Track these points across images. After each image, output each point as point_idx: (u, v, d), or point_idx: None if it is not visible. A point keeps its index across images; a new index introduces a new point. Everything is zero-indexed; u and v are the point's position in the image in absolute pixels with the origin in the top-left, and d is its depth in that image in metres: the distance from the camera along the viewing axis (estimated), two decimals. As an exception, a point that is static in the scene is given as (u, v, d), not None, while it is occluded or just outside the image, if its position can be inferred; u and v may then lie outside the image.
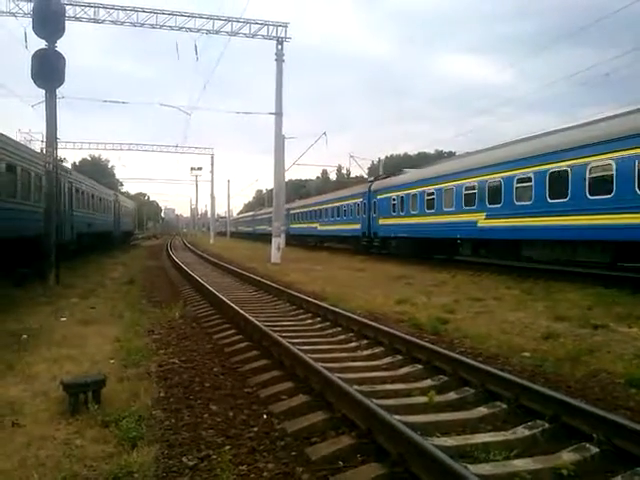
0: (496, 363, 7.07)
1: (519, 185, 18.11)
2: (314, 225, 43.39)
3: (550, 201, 16.60)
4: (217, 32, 27.33)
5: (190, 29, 27.10)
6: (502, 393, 5.50)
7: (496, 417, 5.12)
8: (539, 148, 17.51)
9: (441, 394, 5.75)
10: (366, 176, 64.85)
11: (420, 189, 25.38)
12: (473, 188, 20.95)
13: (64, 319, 10.27)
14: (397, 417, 4.53)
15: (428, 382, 6.24)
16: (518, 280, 16.61)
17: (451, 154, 64.18)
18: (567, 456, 4.14)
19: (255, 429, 4.88)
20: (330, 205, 39.79)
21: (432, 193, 24.16)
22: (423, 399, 5.53)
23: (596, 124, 16.01)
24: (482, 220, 20.16)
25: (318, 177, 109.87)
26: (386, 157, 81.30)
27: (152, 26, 26.79)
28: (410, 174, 28.56)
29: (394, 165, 69.66)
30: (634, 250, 13.89)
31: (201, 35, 27.49)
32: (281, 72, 27.59)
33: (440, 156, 71.44)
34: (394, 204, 28.31)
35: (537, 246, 17.97)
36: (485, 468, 3.94)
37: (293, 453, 4.36)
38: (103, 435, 4.59)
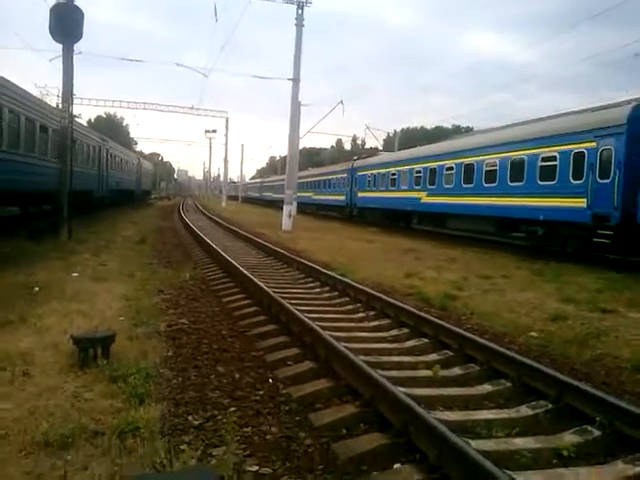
0: (502, 341, 7.08)
1: (446, 172, 23.97)
2: (309, 194, 48.35)
3: (463, 185, 22.41)
4: (238, -7, 26.92)
5: (211, -11, 26.68)
6: (507, 371, 5.52)
7: (500, 395, 5.15)
8: (459, 145, 24.21)
9: (446, 369, 5.79)
10: (381, 148, 64.37)
11: (386, 170, 31.42)
12: (419, 172, 26.80)
13: (76, 274, 10.39)
14: (401, 389, 4.57)
15: (433, 356, 6.28)
16: (529, 260, 16.53)
17: (469, 129, 63.38)
18: (568, 437, 4.17)
19: (260, 392, 4.94)
20: (323, 178, 45.45)
21: (394, 174, 30.20)
22: (428, 373, 5.57)
23: (500, 130, 22.92)
24: (424, 197, 26.02)
25: (333, 146, 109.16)
26: (402, 130, 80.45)
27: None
28: (381, 156, 35.46)
29: (410, 138, 68.99)
30: (509, 224, 20.00)
31: (222, -4, 27.07)
32: (300, 37, 27.17)
33: (457, 131, 70.57)
34: (369, 180, 34.18)
35: (455, 218, 24.00)
36: (486, 444, 3.97)
37: (297, 418, 4.42)
38: (111, 390, 4.67)
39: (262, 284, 9.21)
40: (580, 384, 4.90)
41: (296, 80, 27.48)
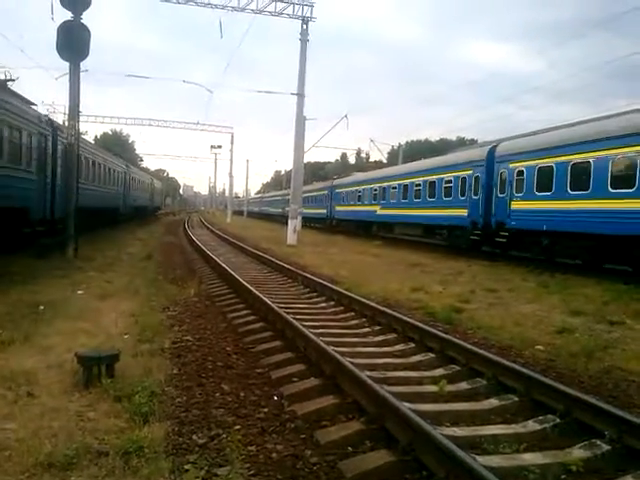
0: (509, 355, 7.03)
1: (392, 190, 30.86)
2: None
3: (402, 201, 29.08)
4: (242, 9, 27.15)
5: (215, 6, 26.93)
6: (514, 386, 5.48)
7: (507, 409, 5.10)
8: (400, 170, 32.89)
9: (452, 384, 5.75)
10: (385, 161, 64.58)
11: (355, 188, 38.75)
12: (376, 190, 33.75)
13: (81, 292, 10.39)
14: (407, 405, 4.53)
15: (440, 371, 6.24)
16: (535, 272, 16.45)
17: (473, 141, 63.46)
18: (577, 452, 4.12)
19: (265, 410, 4.91)
20: (310, 194, 50.74)
21: (360, 191, 37.33)
22: (434, 388, 5.53)
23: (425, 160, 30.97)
24: (379, 210, 32.64)
25: (337, 160, 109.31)
26: (407, 142, 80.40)
27: (177, 1, 26.66)
28: (353, 177, 42.23)
29: (415, 150, 69.13)
30: (430, 229, 26.24)
31: (226, 12, 27.33)
32: (305, 52, 27.37)
33: (462, 143, 70.63)
34: (343, 197, 41.63)
35: (399, 226, 30.85)
36: (494, 460, 3.93)
37: (302, 436, 4.38)
38: (115, 409, 4.64)
39: (267, 299, 9.19)
40: (588, 398, 4.86)
41: (301, 95, 27.63)
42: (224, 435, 4.29)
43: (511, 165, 19.75)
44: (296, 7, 27.18)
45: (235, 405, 5.00)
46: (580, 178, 16.21)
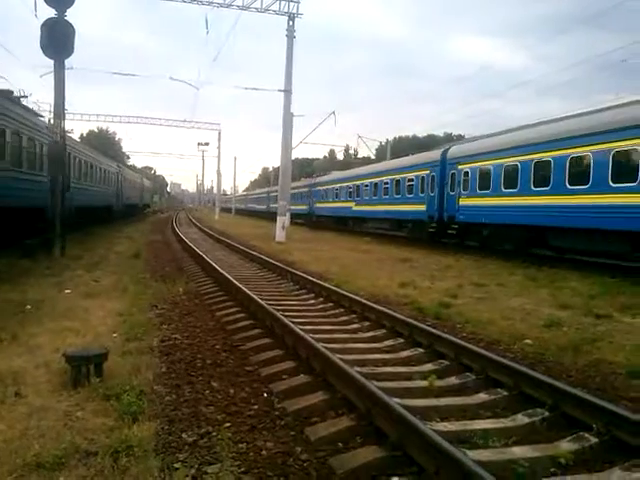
0: (498, 349, 7.07)
1: (365, 188, 33.99)
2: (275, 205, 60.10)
3: (373, 198, 32.30)
4: (228, 6, 27.01)
5: (201, 2, 26.76)
6: (503, 380, 5.51)
7: (496, 404, 5.12)
8: (371, 169, 35.81)
9: (442, 379, 5.76)
10: (374, 157, 64.67)
11: (332, 185, 41.91)
12: (350, 188, 37.14)
13: (68, 291, 10.32)
14: (397, 400, 4.54)
15: (429, 366, 6.25)
16: (522, 266, 16.56)
17: (460, 137, 63.64)
18: (566, 445, 4.15)
19: (255, 407, 4.91)
20: (292, 191, 51.98)
21: (337, 189, 40.53)
22: (423, 383, 5.54)
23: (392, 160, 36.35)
24: (354, 206, 35.90)
25: (325, 156, 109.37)
26: (394, 138, 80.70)
27: (162, -2, 26.49)
28: (331, 175, 45.21)
29: (403, 146, 69.27)
30: (397, 222, 29.67)
31: (212, 8, 27.18)
32: (292, 49, 27.27)
33: (449, 139, 70.90)
34: (322, 194, 44.63)
35: (371, 220, 34.25)
36: (483, 454, 3.95)
37: (292, 433, 4.38)
38: (104, 408, 4.61)
39: (256, 296, 9.17)
40: (576, 391, 4.88)
41: (288, 91, 27.55)
42: (214, 433, 4.27)
43: (459, 166, 22.58)
44: (282, 3, 27.09)
45: (225, 402, 4.99)
46: (510, 178, 19.12)
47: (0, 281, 11.03)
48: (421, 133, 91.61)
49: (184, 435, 4.23)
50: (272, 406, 4.95)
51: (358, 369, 5.56)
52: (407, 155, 34.17)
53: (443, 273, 15.06)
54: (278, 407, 4.92)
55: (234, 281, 10.94)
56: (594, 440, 4.20)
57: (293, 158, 38.37)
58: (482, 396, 5.28)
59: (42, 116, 20.64)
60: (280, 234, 26.54)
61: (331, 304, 9.92)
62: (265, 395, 5.23)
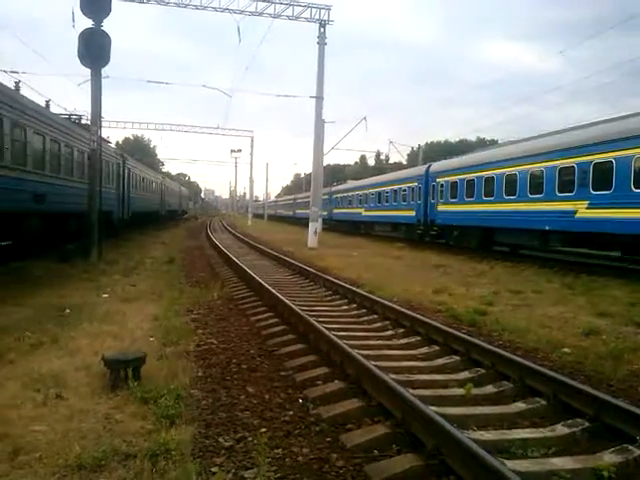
0: (535, 358, 6.95)
1: (371, 197, 39.18)
2: (306, 211, 66.74)
3: (378, 204, 37.46)
4: (260, 14, 27.21)
5: (234, 10, 27.03)
6: (541, 389, 5.40)
7: (535, 413, 5.03)
8: (376, 180, 41.32)
9: (478, 387, 5.69)
10: (405, 162, 64.33)
11: (347, 194, 47.10)
12: (361, 196, 42.03)
13: (106, 296, 10.51)
14: (433, 408, 4.49)
15: (465, 374, 6.18)
16: (559, 274, 16.26)
17: (493, 142, 62.88)
18: (608, 457, 4.04)
19: (290, 413, 4.91)
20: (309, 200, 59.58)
21: (351, 197, 45.55)
22: (460, 391, 5.48)
23: (391, 173, 41.46)
24: (363, 212, 41.08)
25: (356, 162, 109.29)
26: (426, 144, 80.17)
27: (196, 7, 26.81)
28: (346, 185, 50.98)
29: (434, 152, 68.76)
30: (396, 225, 34.39)
31: (244, 17, 27.43)
32: (323, 55, 27.36)
33: (481, 143, 70.15)
34: (339, 201, 50.00)
35: (377, 225, 39.40)
36: (522, 464, 3.88)
37: (328, 439, 4.37)
38: (142, 411, 4.68)
39: (289, 302, 9.20)
40: (618, 401, 4.77)
41: (319, 98, 27.64)
42: (250, 438, 4.29)
43: (437, 179, 27.75)
44: (313, 11, 27.22)
45: (260, 408, 5.01)
46: (470, 189, 24.09)
47: (40, 285, 11.30)
48: (453, 138, 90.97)
49: (221, 439, 4.26)
50: (307, 412, 4.95)
51: (393, 376, 5.52)
52: (441, 160, 34.15)
53: (478, 280, 14.89)
54: (313, 413, 4.91)
55: (267, 286, 11.00)
56: (638, 452, 4.08)
57: (324, 164, 38.49)
58: (520, 405, 5.19)
59: (110, 142, 29.58)
60: (312, 240, 26.58)
61: (364, 310, 9.89)
62: (300, 401, 5.24)
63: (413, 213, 30.25)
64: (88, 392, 5.15)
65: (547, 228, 18.54)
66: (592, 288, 13.15)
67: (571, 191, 17.43)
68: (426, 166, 30.42)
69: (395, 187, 34.14)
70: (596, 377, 6.23)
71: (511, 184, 20.80)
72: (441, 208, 26.82)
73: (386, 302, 9.77)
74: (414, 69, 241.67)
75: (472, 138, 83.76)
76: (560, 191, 18.00)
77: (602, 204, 16.06)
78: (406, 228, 32.44)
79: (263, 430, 4.46)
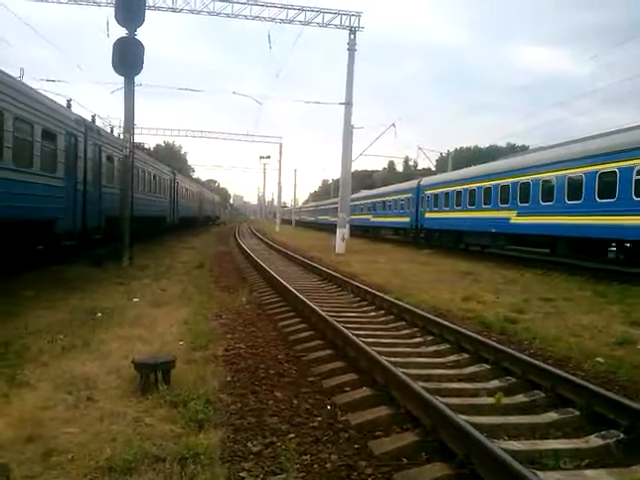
0: (567, 367, 6.82)
1: (378, 205, 44.93)
2: (326, 217, 68.89)
3: (382, 211, 43.35)
4: (290, 21, 27.45)
5: (264, 18, 27.30)
6: (574, 399, 5.30)
7: (567, 423, 4.93)
8: (382, 191, 46.82)
9: (509, 396, 5.61)
10: (434, 169, 63.99)
11: (358, 202, 50.93)
12: (369, 204, 48.15)
13: (136, 300, 10.64)
14: (463, 417, 4.44)
15: (495, 383, 6.09)
16: (591, 281, 15.95)
17: (524, 148, 62.13)
18: (644, 470, 3.95)
19: (319, 419, 4.90)
20: (332, 206, 62.41)
21: (362, 205, 50.81)
22: (490, 400, 5.40)
23: (393, 185, 48.25)
24: (371, 218, 46.29)
25: (385, 168, 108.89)
26: (455, 149, 79.43)
27: (227, 15, 27.15)
28: (358, 194, 53.41)
29: (464, 158, 68.25)
30: (396, 229, 41.05)
31: (275, 24, 27.67)
32: (353, 62, 27.45)
33: (512, 150, 69.32)
34: (352, 208, 48.19)
35: (383, 229, 44.94)
36: (555, 476, 3.82)
37: (356, 446, 4.35)
38: (171, 415, 4.72)
39: (317, 308, 9.20)
40: (654, 413, 4.66)
41: (348, 104, 27.70)
42: (278, 443, 4.30)
43: (425, 192, 33.71)
44: (343, 18, 27.33)
45: (289, 413, 5.01)
46: (447, 200, 29.82)
47: (72, 289, 11.50)
48: (483, 144, 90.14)
49: (249, 444, 4.27)
50: (335, 418, 4.93)
51: (422, 384, 5.47)
52: (470, 166, 34.73)
53: (508, 287, 14.70)
54: (341, 420, 4.90)
55: (295, 292, 11.02)
56: (675, 466, 3.99)
57: (353, 170, 38.62)
58: (552, 415, 5.09)
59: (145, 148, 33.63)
60: (340, 245, 26.59)
61: (392, 317, 9.84)
62: (328, 407, 5.23)
63: (408, 219, 36.34)
64: (118, 395, 5.21)
65: (493, 230, 24.24)
66: (626, 296, 12.88)
67: (507, 202, 23.08)
68: (418, 181, 36.46)
69: (396, 197, 40.30)
70: (631, 387, 6.08)
71: (472, 196, 26.54)
72: (427, 215, 33.09)
73: (414, 309, 9.70)
74: (443, 75, 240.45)
75: (502, 144, 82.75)
76: (501, 202, 23.65)
77: (525, 213, 21.62)
78: (403, 232, 39.11)
79: (291, 436, 4.46)
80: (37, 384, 5.40)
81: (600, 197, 17.15)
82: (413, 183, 37.11)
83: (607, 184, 16.75)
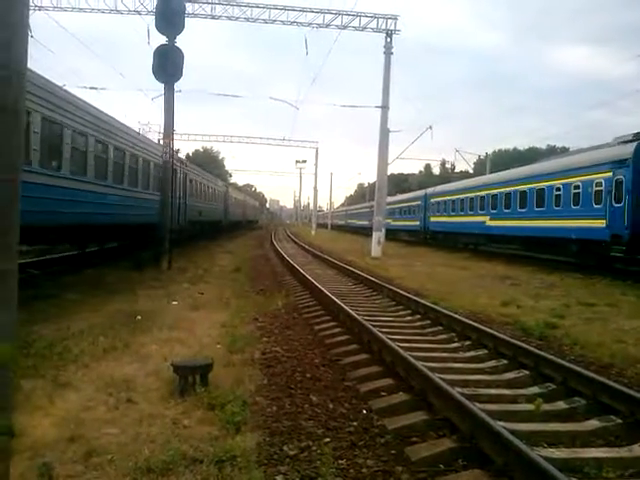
0: (609, 374, 6.65)
1: (391, 210, 46.77)
2: (354, 220, 77.36)
3: (396, 216, 49.23)
4: (327, 26, 27.45)
5: (301, 23, 27.40)
6: (616, 406, 5.16)
7: (609, 432, 4.81)
8: (392, 199, 50.27)
9: (549, 403, 5.49)
10: (472, 171, 63.21)
11: (354, 211, 73.37)
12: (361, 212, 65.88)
13: (175, 303, 10.81)
14: (501, 424, 4.37)
15: (535, 389, 5.98)
16: (635, 286, 15.52)
17: (564, 149, 60.83)
18: (691, 481, 3.84)
19: (355, 424, 4.89)
20: (361, 210, 71.64)
21: (354, 212, 74.01)
22: (529, 407, 5.30)
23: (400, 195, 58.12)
24: (391, 222, 46.88)
25: (421, 171, 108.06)
26: (494, 152, 78.27)
27: (265, 21, 27.36)
28: (355, 206, 67.69)
29: (503, 160, 67.24)
30: (408, 231, 47.85)
31: (311, 29, 27.75)
32: (389, 65, 27.33)
33: (552, 151, 67.94)
34: (350, 215, 67.48)
35: (396, 231, 48.75)
36: (597, 486, 3.72)
37: (393, 452, 4.33)
38: (209, 417, 4.78)
39: (353, 312, 9.19)
40: (702, 423, 4.54)
41: (385, 107, 27.61)
42: (314, 447, 4.30)
43: (430, 200, 40.16)
44: (380, 21, 27.24)
45: (324, 417, 5.01)
46: (446, 206, 36.09)
47: (113, 292, 11.75)
48: (522, 146, 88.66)
49: (285, 448, 4.29)
50: (371, 423, 4.91)
51: (459, 390, 5.41)
52: (508, 169, 34.34)
53: (547, 291, 14.42)
54: (377, 424, 4.88)
55: (331, 296, 11.03)
56: None
57: (389, 173, 38.45)
58: (593, 423, 4.97)
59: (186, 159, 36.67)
60: (376, 249, 26.52)
61: (429, 321, 9.75)
62: (364, 412, 5.21)
63: (418, 223, 42.82)
64: (157, 397, 5.31)
65: (476, 232, 30.73)
66: (672, 302, 12.49)
67: (483, 210, 29.57)
68: (425, 190, 43.27)
69: (409, 204, 46.73)
70: (677, 396, 5.88)
71: (462, 204, 33.08)
72: (432, 220, 39.42)
73: (451, 313, 9.60)
74: (481, 76, 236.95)
75: (542, 146, 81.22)
76: (480, 209, 30.10)
77: (495, 217, 27.96)
78: (415, 234, 44.74)
79: (327, 440, 4.47)
80: (80, 385, 5.55)
81: (537, 206, 23.49)
82: (422, 192, 43.84)
83: (540, 197, 23.27)
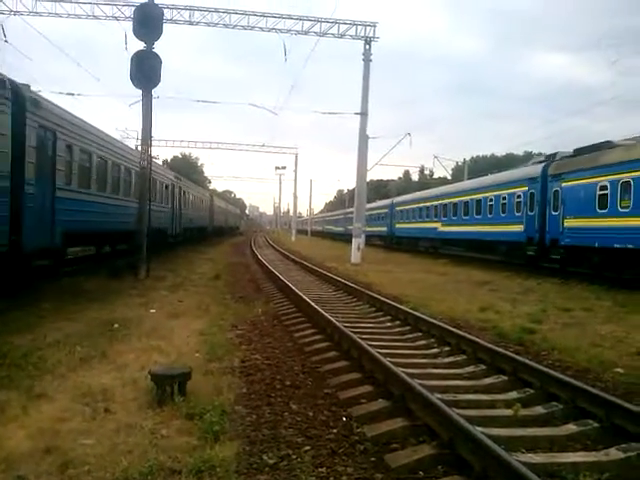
0: (586, 378, 6.73)
1: (368, 217, 45.88)
2: (331, 227, 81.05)
3: (370, 222, 48.10)
4: (306, 33, 27.53)
5: (280, 30, 27.44)
6: (593, 411, 5.22)
7: (586, 436, 4.86)
8: (370, 206, 51.38)
9: (527, 408, 5.54)
10: (450, 177, 63.77)
11: (333, 218, 76.77)
12: (340, 219, 69.38)
13: (153, 311, 10.71)
14: (480, 429, 4.39)
15: (513, 394, 6.02)
16: (610, 291, 15.74)
17: (540, 155, 61.57)
18: (666, 484, 3.90)
19: (334, 431, 4.88)
20: (337, 217, 75.59)
21: (334, 219, 78.05)
22: (508, 412, 5.34)
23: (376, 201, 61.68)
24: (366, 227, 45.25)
25: (400, 178, 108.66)
26: (472, 158, 78.99)
27: (244, 27, 27.36)
28: (332, 212, 79.11)
29: (480, 166, 67.89)
30: (379, 236, 51.81)
31: (290, 36, 27.80)
32: (368, 72, 27.47)
33: (529, 158, 68.77)
34: (329, 221, 71.68)
35: (370, 236, 48.73)
36: (574, 490, 3.75)
37: (372, 459, 4.32)
38: (187, 427, 4.73)
39: (332, 318, 9.19)
40: (676, 426, 4.61)
41: (364, 114, 27.72)
42: (294, 456, 4.28)
43: (396, 208, 44.53)
44: (359, 28, 27.39)
45: (304, 425, 4.99)
46: (412, 213, 40.05)
47: (90, 300, 11.60)
48: (500, 152, 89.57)
49: (265, 457, 4.26)
50: (351, 430, 4.91)
51: (439, 396, 5.43)
52: (486, 174, 34.89)
53: (525, 297, 14.57)
54: (357, 432, 4.87)
55: (311, 303, 11.01)
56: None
57: (368, 180, 38.79)
58: (571, 427, 5.02)
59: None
60: (355, 255, 26.57)
61: (408, 327, 9.78)
62: (344, 419, 5.20)
63: (385, 228, 47.79)
64: (135, 406, 5.24)
65: (431, 236, 34.86)
66: (646, 306, 12.68)
67: (437, 216, 33.78)
68: (392, 199, 48.58)
69: (379, 212, 50.82)
70: (652, 399, 5.98)
71: (420, 212, 37.55)
72: (397, 226, 44.09)
73: (430, 319, 9.65)
74: (459, 83, 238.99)
75: (519, 152, 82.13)
76: (434, 217, 34.38)
77: (446, 223, 32.07)
78: (385, 237, 49.03)
79: (307, 448, 4.45)
80: (55, 395, 5.45)
81: (476, 214, 27.70)
82: (389, 201, 49.34)
83: (479, 206, 27.44)
